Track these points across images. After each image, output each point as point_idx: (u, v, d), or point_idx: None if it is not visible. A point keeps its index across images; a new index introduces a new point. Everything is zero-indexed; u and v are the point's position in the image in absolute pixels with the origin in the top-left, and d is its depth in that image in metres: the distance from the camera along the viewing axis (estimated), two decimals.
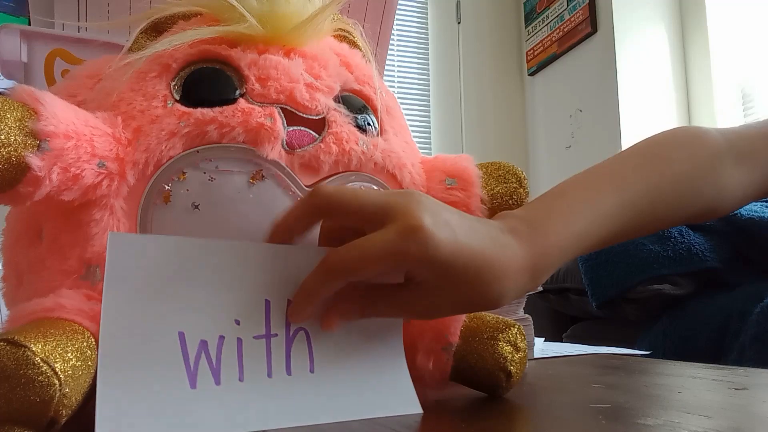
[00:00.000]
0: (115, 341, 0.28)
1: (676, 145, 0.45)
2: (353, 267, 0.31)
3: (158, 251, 0.30)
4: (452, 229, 0.32)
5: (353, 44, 0.44)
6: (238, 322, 0.31)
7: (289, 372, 0.32)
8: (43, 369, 0.25)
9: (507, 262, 0.33)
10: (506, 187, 0.43)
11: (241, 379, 0.31)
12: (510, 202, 0.42)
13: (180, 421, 0.29)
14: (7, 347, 0.25)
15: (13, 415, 0.25)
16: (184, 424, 0.29)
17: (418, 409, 0.34)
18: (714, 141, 0.46)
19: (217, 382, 0.30)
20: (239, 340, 0.31)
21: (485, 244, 0.33)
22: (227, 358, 0.31)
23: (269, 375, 0.31)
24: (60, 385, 0.25)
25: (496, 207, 0.42)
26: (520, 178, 0.44)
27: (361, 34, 0.43)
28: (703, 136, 0.47)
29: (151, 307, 0.29)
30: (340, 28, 0.43)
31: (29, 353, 0.25)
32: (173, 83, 0.35)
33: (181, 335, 0.30)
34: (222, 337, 0.31)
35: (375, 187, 0.39)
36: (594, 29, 2.22)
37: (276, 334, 0.32)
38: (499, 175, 0.43)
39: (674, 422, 0.29)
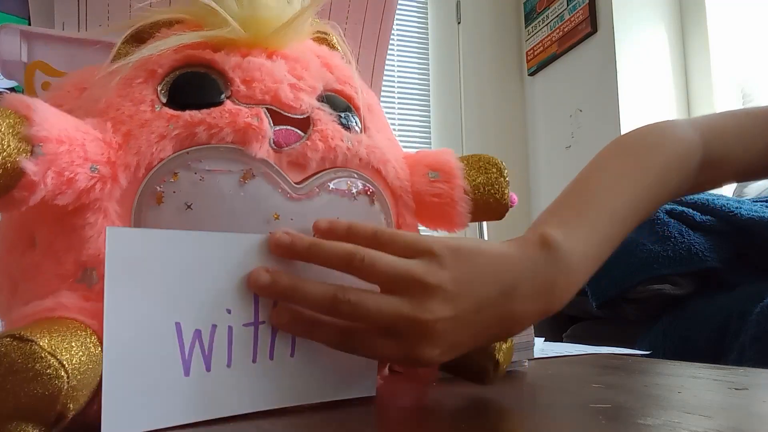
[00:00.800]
0: (119, 333, 0.29)
1: (664, 153, 0.46)
2: (358, 352, 0.34)
3: (155, 244, 0.30)
4: (459, 347, 0.34)
5: (332, 47, 0.45)
6: (229, 311, 0.32)
7: (271, 357, 0.34)
8: (50, 362, 0.25)
9: (523, 324, 0.36)
10: (487, 177, 0.44)
11: (228, 365, 0.32)
12: (492, 191, 0.44)
13: (174, 408, 0.30)
14: (14, 342, 0.25)
15: (21, 410, 0.25)
16: (177, 411, 0.30)
17: (372, 393, 0.37)
18: (688, 147, 0.48)
19: (208, 369, 0.31)
20: (230, 328, 0.32)
21: (497, 333, 0.36)
22: (218, 345, 0.32)
23: (254, 360, 0.33)
24: (68, 377, 0.26)
25: (479, 197, 0.44)
26: (501, 168, 0.45)
27: (340, 36, 0.45)
28: (683, 142, 0.48)
29: (150, 299, 0.30)
30: (320, 31, 0.44)
31: (36, 347, 0.25)
32: (160, 88, 0.36)
33: (178, 325, 0.31)
34: (215, 326, 0.32)
35: (360, 183, 0.39)
36: (594, 29, 2.21)
37: (264, 322, 0.33)
38: (480, 166, 0.45)
39: (674, 422, 0.29)
